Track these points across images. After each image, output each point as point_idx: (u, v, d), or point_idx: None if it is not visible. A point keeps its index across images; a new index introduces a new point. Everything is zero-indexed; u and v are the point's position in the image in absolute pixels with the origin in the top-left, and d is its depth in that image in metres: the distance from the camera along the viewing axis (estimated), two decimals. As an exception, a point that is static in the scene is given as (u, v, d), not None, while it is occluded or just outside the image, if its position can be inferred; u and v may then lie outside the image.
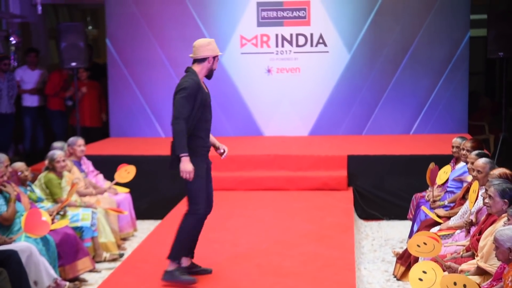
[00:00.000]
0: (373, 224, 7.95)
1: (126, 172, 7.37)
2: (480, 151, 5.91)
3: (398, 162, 8.18)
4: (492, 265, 4.32)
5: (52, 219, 6.04)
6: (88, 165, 7.53)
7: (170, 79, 10.00)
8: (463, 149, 6.34)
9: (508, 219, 4.29)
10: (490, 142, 10.63)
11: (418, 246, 4.71)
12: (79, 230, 6.45)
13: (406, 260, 5.80)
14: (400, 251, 6.21)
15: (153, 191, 8.38)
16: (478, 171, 5.38)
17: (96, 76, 10.71)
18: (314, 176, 8.20)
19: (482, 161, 5.42)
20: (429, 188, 6.79)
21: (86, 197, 6.90)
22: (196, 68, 5.27)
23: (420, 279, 4.40)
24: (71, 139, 7.26)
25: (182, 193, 8.03)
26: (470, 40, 9.70)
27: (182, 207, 7.52)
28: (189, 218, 5.32)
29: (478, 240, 4.63)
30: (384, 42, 9.69)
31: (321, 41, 9.81)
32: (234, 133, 10.05)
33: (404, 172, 8.09)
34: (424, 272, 4.40)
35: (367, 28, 9.65)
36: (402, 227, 7.62)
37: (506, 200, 4.56)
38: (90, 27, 13.28)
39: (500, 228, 4.16)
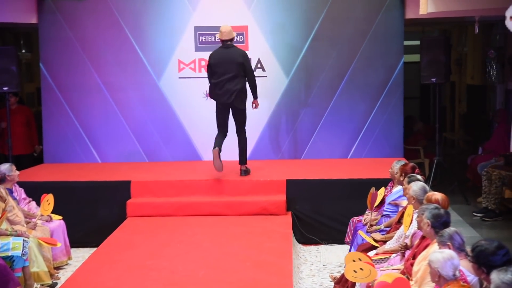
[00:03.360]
0: (312, 248, 7.97)
1: (47, 203, 7.19)
2: (413, 174, 6.01)
3: (336, 186, 8.24)
4: (426, 289, 4.38)
5: (-19, 249, 5.83)
6: (20, 192, 7.32)
7: (107, 104, 9.87)
8: (397, 172, 6.46)
9: (440, 246, 4.37)
10: (425, 166, 10.85)
11: (355, 271, 4.74)
12: (9, 259, 6.22)
13: (343, 285, 5.81)
14: (338, 275, 6.23)
15: (88, 217, 8.21)
16: (411, 195, 5.48)
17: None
18: (253, 201, 8.17)
19: (414, 185, 5.52)
20: (367, 212, 6.86)
21: (18, 226, 6.68)
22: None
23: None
24: (5, 167, 7.03)
25: (118, 219, 7.96)
26: (406, 65, 9.91)
27: (118, 234, 7.41)
28: (245, 134, 8.69)
29: (412, 265, 4.69)
30: (321, 67, 9.80)
31: (259, 65, 9.85)
32: (172, 158, 9.96)
33: (342, 196, 8.15)
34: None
35: (304, 53, 9.75)
36: (340, 251, 7.66)
37: (430, 222, 4.66)
38: (23, 51, 12.99)
39: (434, 251, 4.23)
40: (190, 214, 8.07)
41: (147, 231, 7.49)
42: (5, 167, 7.02)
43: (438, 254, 4.13)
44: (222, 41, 8.41)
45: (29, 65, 13.16)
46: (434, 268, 4.08)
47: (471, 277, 4.19)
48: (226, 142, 9.36)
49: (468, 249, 4.24)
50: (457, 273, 4.07)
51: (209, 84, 8.58)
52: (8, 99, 9.47)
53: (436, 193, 5.20)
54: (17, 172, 7.15)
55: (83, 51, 9.81)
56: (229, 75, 8.33)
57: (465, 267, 4.22)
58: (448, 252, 4.15)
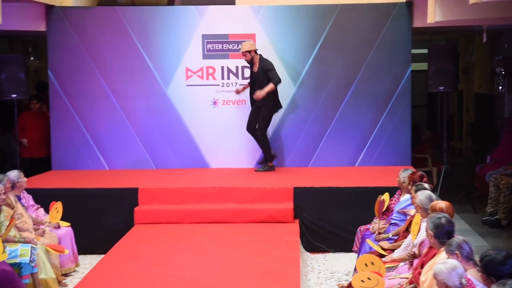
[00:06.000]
0: (319, 256, 7.95)
1: (56, 211, 7.21)
2: (420, 183, 5.99)
3: (344, 194, 8.22)
4: (433, 300, 4.36)
5: (-11, 255, 5.84)
6: (28, 199, 7.33)
7: (114, 111, 9.89)
8: (404, 182, 6.45)
9: (448, 255, 4.35)
10: (433, 175, 10.83)
11: (362, 281, 4.73)
12: (17, 266, 6.25)
13: (351, 294, 5.79)
14: (345, 284, 6.21)
15: (95, 224, 8.22)
16: (417, 204, 5.47)
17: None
18: (260, 208, 8.16)
19: (420, 194, 5.51)
20: (374, 220, 6.85)
21: (26, 232, 6.69)
22: None
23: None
24: (14, 174, 7.02)
25: (126, 226, 7.97)
26: (413, 74, 9.90)
27: (126, 241, 7.41)
28: None
29: (420, 274, 4.67)
30: (328, 75, 9.81)
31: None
32: (179, 165, 9.97)
33: (350, 204, 8.14)
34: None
35: (312, 61, 9.75)
36: (347, 259, 7.64)
37: (433, 233, 4.65)
38: (31, 58, 13.06)
39: (438, 262, 4.22)
40: (197, 222, 8.07)
41: (154, 238, 7.50)
42: (14, 174, 7.03)
43: (441, 265, 4.11)
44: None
45: (37, 73, 13.24)
46: (440, 280, 4.06)
47: (480, 286, 4.17)
48: (233, 149, 9.50)
49: (477, 258, 4.23)
50: (463, 281, 4.06)
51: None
52: (17, 106, 9.60)
53: (440, 201, 5.19)
54: (25, 179, 7.18)
55: (91, 58, 9.84)
56: None
57: (474, 276, 4.20)
58: (451, 262, 4.13)
